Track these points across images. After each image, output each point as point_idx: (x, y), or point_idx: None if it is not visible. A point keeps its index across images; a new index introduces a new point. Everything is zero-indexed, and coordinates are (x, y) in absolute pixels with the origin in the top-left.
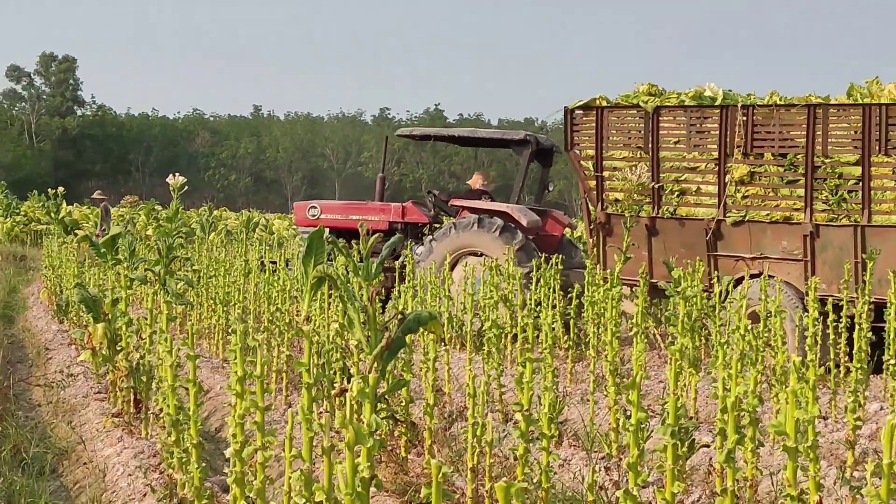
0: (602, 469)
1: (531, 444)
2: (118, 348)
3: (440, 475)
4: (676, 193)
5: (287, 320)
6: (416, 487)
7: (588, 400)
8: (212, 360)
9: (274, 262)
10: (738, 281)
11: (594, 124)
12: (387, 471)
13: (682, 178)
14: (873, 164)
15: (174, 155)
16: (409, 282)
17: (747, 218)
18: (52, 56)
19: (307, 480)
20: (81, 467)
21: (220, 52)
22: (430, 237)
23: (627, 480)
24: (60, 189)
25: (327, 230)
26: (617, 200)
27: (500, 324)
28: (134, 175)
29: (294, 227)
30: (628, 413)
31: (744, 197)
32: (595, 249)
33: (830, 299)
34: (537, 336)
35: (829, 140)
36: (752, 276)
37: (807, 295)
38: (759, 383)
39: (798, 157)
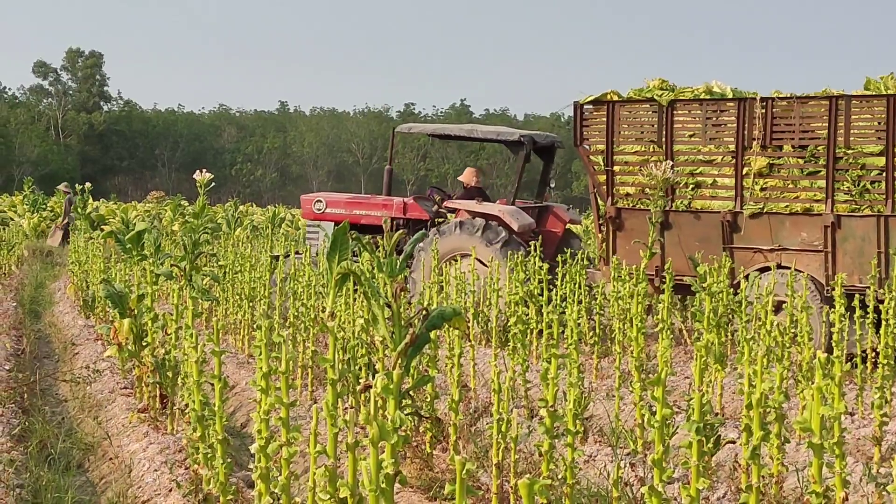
0: (627, 465)
1: (556, 440)
2: (144, 344)
3: (464, 471)
4: (691, 187)
5: (312, 316)
6: (441, 483)
7: (613, 396)
8: (237, 356)
9: (276, 257)
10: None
11: (605, 119)
12: (412, 467)
13: (697, 172)
14: None
15: (200, 150)
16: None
17: (765, 210)
18: (78, 52)
19: (332, 476)
20: (107, 462)
21: (247, 48)
22: (419, 246)
23: (653, 476)
24: (87, 185)
25: (332, 224)
26: (628, 195)
27: (526, 319)
28: (160, 170)
29: (302, 219)
30: (654, 409)
31: (762, 189)
32: (604, 244)
33: (857, 295)
34: (562, 332)
35: (852, 131)
36: (768, 269)
37: (828, 286)
38: (784, 379)
39: (819, 148)
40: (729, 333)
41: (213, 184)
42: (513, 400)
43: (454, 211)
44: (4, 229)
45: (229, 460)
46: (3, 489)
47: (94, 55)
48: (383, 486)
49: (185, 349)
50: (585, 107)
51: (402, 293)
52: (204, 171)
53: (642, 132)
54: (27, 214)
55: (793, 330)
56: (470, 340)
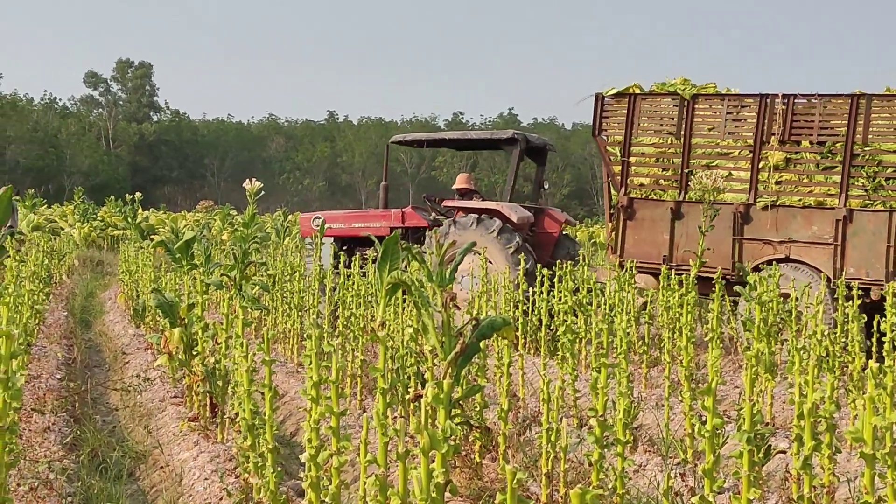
0: (677, 475)
1: (606, 450)
2: (194, 353)
3: (515, 481)
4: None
5: (361, 325)
6: (490, 492)
7: (663, 405)
8: (287, 365)
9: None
10: (757, 269)
11: (625, 111)
12: (461, 476)
13: (713, 164)
14: None
15: (249, 160)
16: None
17: (778, 203)
18: (128, 62)
19: (382, 485)
20: (158, 471)
21: (295, 58)
22: (420, 250)
23: (703, 486)
24: (137, 194)
25: (332, 239)
26: (641, 185)
27: (575, 328)
28: (209, 180)
29: (301, 238)
30: (704, 419)
31: (777, 182)
32: (613, 234)
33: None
34: (611, 341)
35: (871, 129)
36: (777, 261)
37: (835, 280)
38: (835, 389)
39: (837, 145)
40: (779, 342)
41: (263, 193)
42: (562, 409)
43: (451, 215)
44: (55, 239)
45: (279, 469)
46: (56, 498)
47: (144, 66)
48: (434, 495)
49: (235, 358)
50: (607, 99)
51: (452, 303)
52: (253, 180)
53: (661, 125)
54: (78, 224)
55: (843, 339)
56: (519, 350)
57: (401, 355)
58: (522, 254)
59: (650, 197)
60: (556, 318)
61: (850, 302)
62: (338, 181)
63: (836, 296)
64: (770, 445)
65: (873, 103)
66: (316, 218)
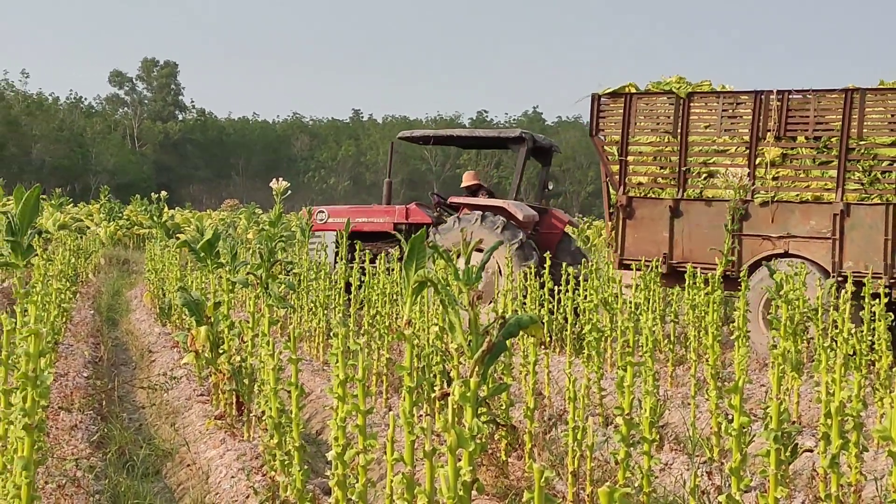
0: (704, 473)
1: (632, 448)
2: (221, 351)
3: (542, 479)
4: (704, 176)
5: (387, 324)
6: (516, 491)
7: (689, 404)
8: (312, 363)
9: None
10: (757, 263)
11: (622, 110)
12: (487, 474)
13: (710, 161)
14: None
15: (274, 159)
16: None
17: (776, 198)
18: (153, 61)
19: (409, 483)
20: (185, 469)
21: (319, 57)
22: (435, 230)
23: (730, 485)
24: (163, 193)
25: (335, 233)
26: (640, 184)
27: (601, 327)
28: (234, 179)
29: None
30: (730, 417)
31: (774, 178)
32: (613, 232)
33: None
34: (637, 339)
35: (865, 123)
36: (775, 257)
37: (834, 273)
38: (862, 387)
39: (832, 139)
40: (805, 341)
41: (290, 192)
42: (588, 407)
43: (458, 209)
44: (81, 238)
45: (306, 467)
46: (84, 495)
47: (169, 65)
48: (461, 493)
49: (261, 356)
50: (602, 98)
51: (479, 301)
52: (280, 179)
53: (658, 123)
54: (104, 223)
55: (870, 338)
56: (546, 348)
57: (426, 354)
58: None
59: (649, 196)
60: (581, 317)
61: (878, 300)
62: (362, 180)
63: (839, 290)
64: (797, 444)
65: (867, 97)
66: (320, 212)
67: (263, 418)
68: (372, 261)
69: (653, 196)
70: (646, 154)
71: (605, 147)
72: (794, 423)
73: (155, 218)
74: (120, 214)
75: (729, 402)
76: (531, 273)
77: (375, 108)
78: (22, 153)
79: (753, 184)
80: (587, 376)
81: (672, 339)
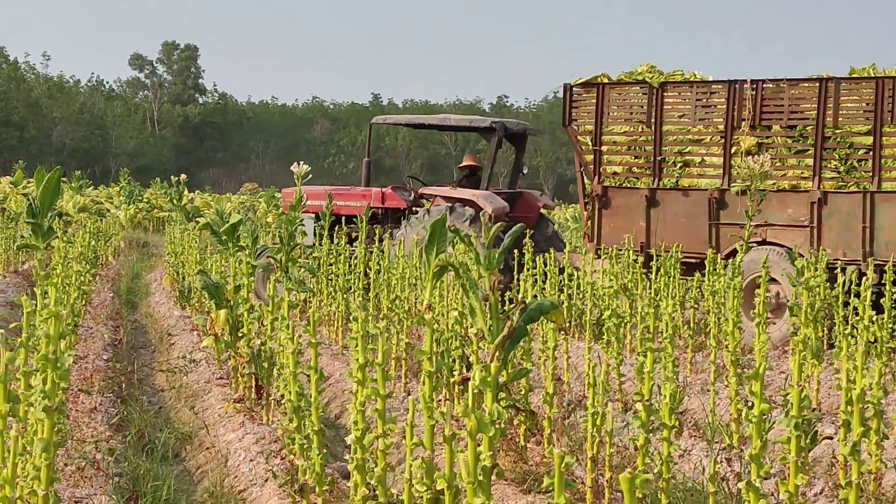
0: (723, 460)
1: (651, 434)
2: (240, 334)
3: (563, 465)
4: (679, 165)
5: (406, 308)
6: (534, 476)
7: (708, 390)
8: (331, 347)
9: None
10: (734, 252)
11: (595, 100)
12: (506, 459)
13: (685, 151)
14: (885, 134)
15: (294, 143)
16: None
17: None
18: (174, 45)
19: (429, 468)
20: (204, 452)
21: (340, 41)
22: (406, 223)
23: (749, 472)
24: (183, 176)
25: (313, 215)
26: (615, 174)
27: (620, 313)
28: (254, 162)
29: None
30: (750, 404)
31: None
32: (589, 222)
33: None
34: (656, 325)
35: (840, 112)
36: (755, 244)
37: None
38: (883, 375)
39: (808, 128)
40: (825, 328)
41: (311, 176)
42: (607, 393)
43: (431, 198)
44: (101, 220)
45: (325, 451)
46: (103, 477)
47: (190, 48)
48: (481, 478)
49: (280, 340)
50: (575, 89)
51: (500, 286)
52: (301, 163)
53: (631, 113)
54: (123, 206)
55: (891, 325)
56: (565, 333)
57: (445, 338)
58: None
59: (624, 185)
60: (601, 302)
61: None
62: (382, 164)
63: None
64: (816, 431)
65: (842, 86)
66: None
67: (282, 402)
68: (350, 242)
69: (628, 185)
70: (620, 144)
71: (579, 137)
72: (814, 410)
73: (175, 201)
74: (140, 197)
75: (749, 388)
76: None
77: (395, 93)
78: (42, 135)
79: (773, 170)
80: (606, 362)
81: (692, 325)
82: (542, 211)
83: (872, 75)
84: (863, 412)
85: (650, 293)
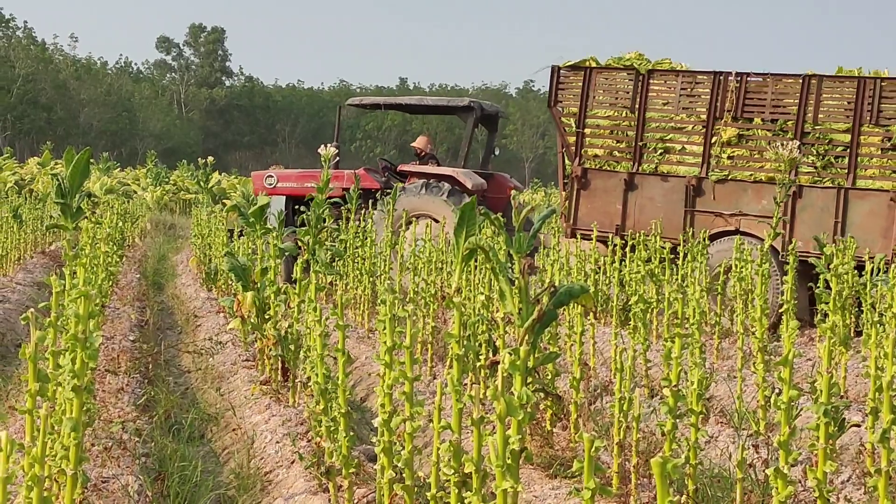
0: (750, 446)
1: (678, 420)
2: (267, 317)
3: (593, 449)
4: (660, 152)
5: (433, 292)
6: (561, 461)
7: (735, 377)
8: (357, 330)
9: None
10: (713, 237)
11: (581, 83)
12: (532, 444)
13: (667, 138)
14: (862, 133)
15: (320, 126)
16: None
17: (730, 177)
18: (201, 27)
19: (457, 451)
20: (230, 433)
21: (367, 25)
22: (382, 202)
23: (777, 458)
24: (210, 159)
25: (284, 198)
26: (596, 156)
27: (647, 298)
28: (280, 146)
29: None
30: (778, 390)
31: (729, 157)
32: (567, 202)
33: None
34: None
35: (821, 108)
36: (727, 234)
37: (783, 252)
38: None
39: (788, 123)
40: (852, 315)
41: (338, 158)
42: (633, 379)
43: (405, 178)
44: (128, 202)
45: (351, 433)
46: (130, 457)
47: (217, 31)
48: (509, 462)
49: (307, 323)
50: (563, 71)
51: (530, 270)
52: (328, 145)
53: (617, 98)
54: (150, 188)
55: None
56: (593, 318)
57: (472, 322)
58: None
59: (604, 168)
60: (627, 288)
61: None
62: (409, 149)
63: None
64: (844, 418)
65: (824, 84)
66: (269, 176)
67: (309, 384)
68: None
69: (608, 169)
70: (603, 127)
71: (563, 119)
72: (841, 397)
73: (201, 183)
74: (166, 179)
75: (778, 375)
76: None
77: (422, 77)
78: (70, 117)
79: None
80: (633, 347)
81: (718, 311)
82: (513, 192)
83: (855, 76)
84: (892, 400)
85: (677, 279)
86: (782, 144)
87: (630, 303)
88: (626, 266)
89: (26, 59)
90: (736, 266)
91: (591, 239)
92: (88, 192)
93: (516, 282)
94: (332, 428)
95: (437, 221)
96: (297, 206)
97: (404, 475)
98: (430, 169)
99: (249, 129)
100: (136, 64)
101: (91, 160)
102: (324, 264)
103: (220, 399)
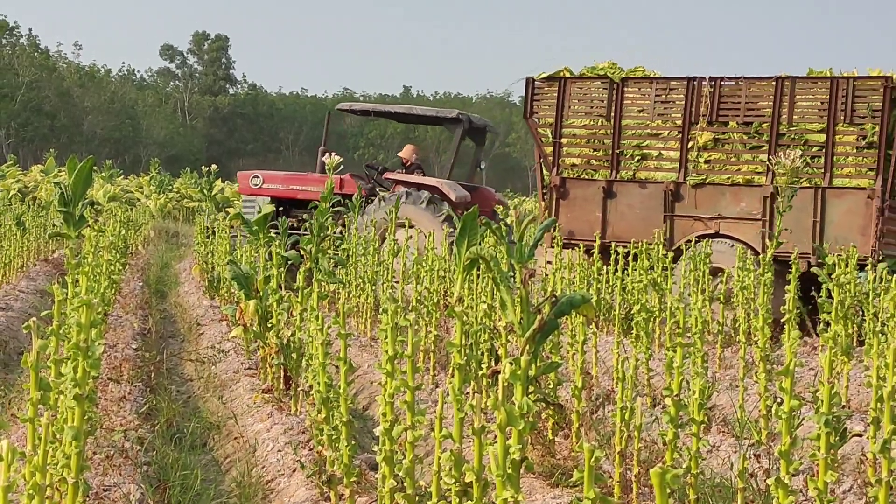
0: (752, 456)
1: (680, 430)
2: (269, 325)
3: (593, 459)
4: (637, 158)
5: (435, 300)
6: (562, 470)
7: (737, 386)
8: (360, 339)
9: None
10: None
11: (556, 94)
12: (534, 453)
13: (643, 144)
14: (837, 133)
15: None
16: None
17: (708, 181)
18: (204, 35)
19: (458, 461)
20: (232, 442)
21: (371, 33)
22: (363, 210)
23: (778, 468)
24: (213, 167)
25: (269, 199)
26: (573, 165)
27: (650, 307)
28: (284, 153)
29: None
30: (780, 400)
31: (706, 161)
32: (546, 212)
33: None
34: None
35: (795, 110)
36: (706, 237)
37: (762, 253)
38: None
39: (763, 125)
40: (855, 325)
41: (342, 167)
42: (635, 388)
43: (390, 186)
44: (132, 210)
45: (353, 442)
46: (132, 466)
47: (220, 39)
48: (510, 471)
49: (309, 331)
50: (537, 82)
51: (531, 279)
52: (333, 153)
53: (592, 107)
54: (154, 195)
55: None
56: (595, 328)
57: (474, 331)
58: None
59: (582, 176)
60: (629, 297)
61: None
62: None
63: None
64: (846, 428)
65: (797, 85)
66: (255, 176)
67: (311, 393)
68: (297, 228)
69: (586, 177)
70: (579, 136)
71: (539, 129)
72: (843, 407)
73: (205, 191)
74: (170, 187)
75: (779, 384)
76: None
77: (426, 85)
78: (73, 125)
79: (805, 165)
80: (635, 357)
81: (721, 320)
82: (497, 207)
83: (828, 76)
84: (893, 410)
85: (679, 288)
86: (784, 153)
87: (632, 312)
88: (607, 271)
89: (30, 66)
90: (738, 275)
91: (573, 248)
92: (91, 200)
93: (518, 291)
94: (334, 437)
95: (416, 229)
96: (280, 208)
97: (405, 484)
98: (416, 178)
99: (253, 137)
100: (138, 71)
101: (94, 168)
102: (326, 272)
103: (222, 407)
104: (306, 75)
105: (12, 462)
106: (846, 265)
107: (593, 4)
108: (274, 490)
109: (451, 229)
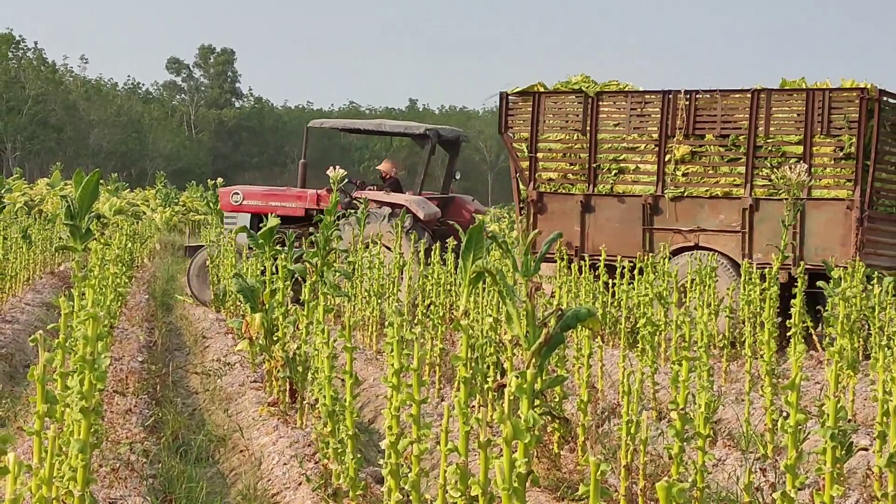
0: (757, 470)
1: (686, 443)
2: (275, 338)
3: (599, 472)
4: (614, 172)
5: (441, 314)
6: (568, 483)
7: (742, 400)
8: (365, 352)
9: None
10: (674, 253)
11: (530, 108)
12: (539, 466)
13: (620, 158)
14: (815, 144)
15: (328, 147)
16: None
17: (686, 193)
18: (210, 48)
19: (463, 474)
20: (237, 455)
21: (376, 46)
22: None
23: (784, 482)
24: (219, 180)
25: (249, 215)
26: (550, 180)
27: (655, 321)
28: (289, 167)
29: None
30: (786, 414)
31: (684, 174)
32: (524, 227)
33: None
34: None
35: (772, 122)
36: (686, 250)
37: (741, 263)
38: None
39: (740, 137)
40: (861, 339)
41: (346, 180)
42: (641, 402)
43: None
44: (137, 223)
45: (359, 455)
46: (137, 479)
47: (226, 52)
48: (515, 485)
49: (315, 344)
50: (511, 97)
51: (538, 293)
52: (337, 167)
53: (567, 121)
54: (159, 208)
55: None
56: (601, 341)
57: (480, 345)
58: (416, 234)
59: (559, 191)
60: (635, 311)
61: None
62: (414, 170)
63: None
64: (852, 442)
65: (773, 97)
66: (235, 193)
67: (317, 406)
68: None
69: (563, 191)
70: (555, 151)
71: (515, 144)
72: (849, 421)
73: (211, 204)
74: (176, 200)
75: (785, 398)
76: (421, 256)
77: (431, 98)
78: (80, 138)
79: (811, 179)
80: (641, 370)
81: (727, 334)
82: (475, 215)
83: (804, 87)
84: None
85: (685, 301)
86: (790, 168)
87: (638, 326)
88: (587, 279)
89: (36, 80)
90: (744, 289)
91: (553, 261)
92: (98, 214)
93: (523, 305)
94: (340, 450)
95: (382, 245)
96: (261, 224)
97: (411, 497)
98: (385, 197)
99: (258, 151)
100: (144, 85)
101: (100, 181)
102: (332, 286)
103: (228, 420)
104: (312, 89)
105: (19, 475)
106: (852, 278)
107: (610, 18)
108: (279, 503)
109: (416, 245)
